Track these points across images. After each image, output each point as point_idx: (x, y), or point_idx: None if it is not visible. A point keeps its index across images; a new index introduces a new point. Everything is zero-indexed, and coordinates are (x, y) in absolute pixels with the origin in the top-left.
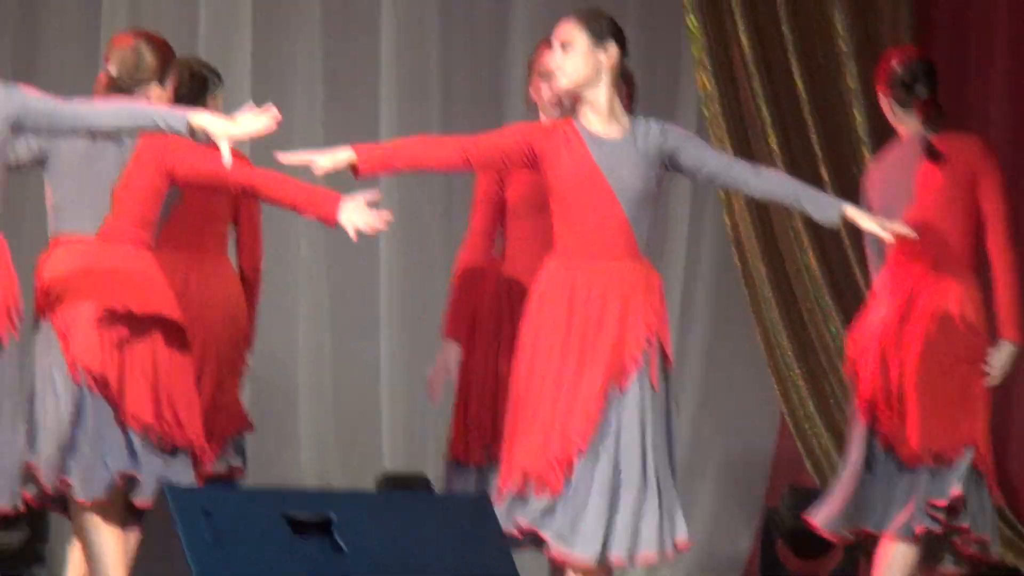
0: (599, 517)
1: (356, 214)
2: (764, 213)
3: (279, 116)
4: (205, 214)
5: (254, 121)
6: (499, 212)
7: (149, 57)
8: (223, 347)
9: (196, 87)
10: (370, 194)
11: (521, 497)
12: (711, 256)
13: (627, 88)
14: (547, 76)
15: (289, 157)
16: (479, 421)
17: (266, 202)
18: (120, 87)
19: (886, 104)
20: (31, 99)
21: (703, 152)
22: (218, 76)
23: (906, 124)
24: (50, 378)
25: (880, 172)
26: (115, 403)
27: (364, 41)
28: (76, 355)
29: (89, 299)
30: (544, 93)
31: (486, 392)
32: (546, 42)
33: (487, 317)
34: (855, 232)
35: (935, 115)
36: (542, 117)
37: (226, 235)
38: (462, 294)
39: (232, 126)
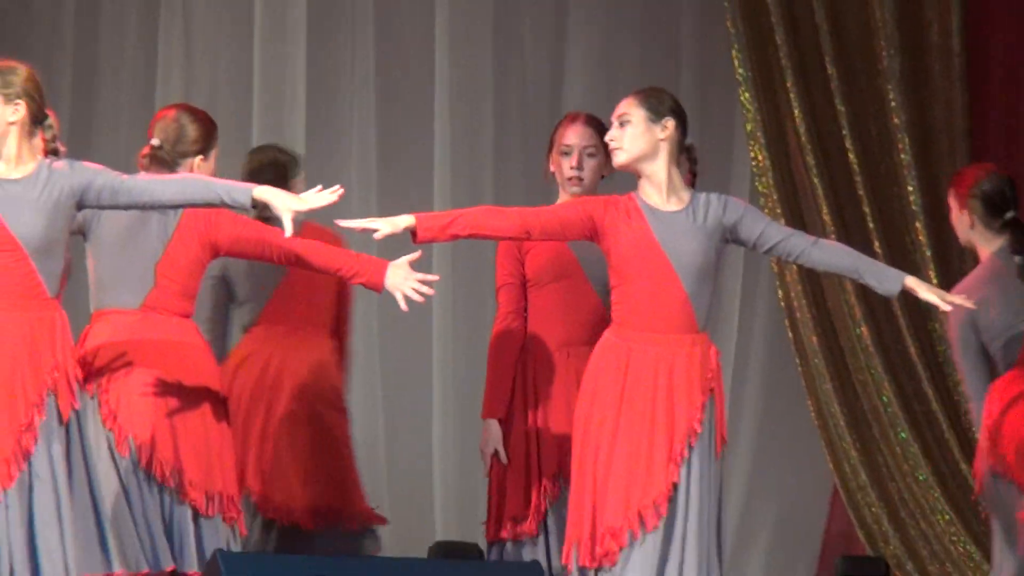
0: None
1: (402, 280)
2: (816, 286)
3: (343, 191)
4: (311, 290)
5: (317, 197)
6: (523, 288)
7: (191, 129)
8: (321, 423)
9: (277, 173)
10: (413, 255)
11: (588, 569)
12: (764, 328)
13: (689, 163)
14: (567, 151)
15: (349, 223)
16: (514, 497)
17: (311, 270)
18: (162, 159)
19: (965, 219)
20: (96, 174)
21: (763, 224)
22: (297, 161)
23: (988, 242)
24: (95, 456)
25: (984, 291)
26: (163, 473)
27: (418, 107)
28: (125, 427)
29: (136, 371)
30: (564, 169)
31: (519, 467)
32: (569, 118)
33: (518, 392)
34: (908, 304)
35: (1021, 236)
36: (561, 193)
37: (330, 310)
38: (497, 372)
39: (295, 202)
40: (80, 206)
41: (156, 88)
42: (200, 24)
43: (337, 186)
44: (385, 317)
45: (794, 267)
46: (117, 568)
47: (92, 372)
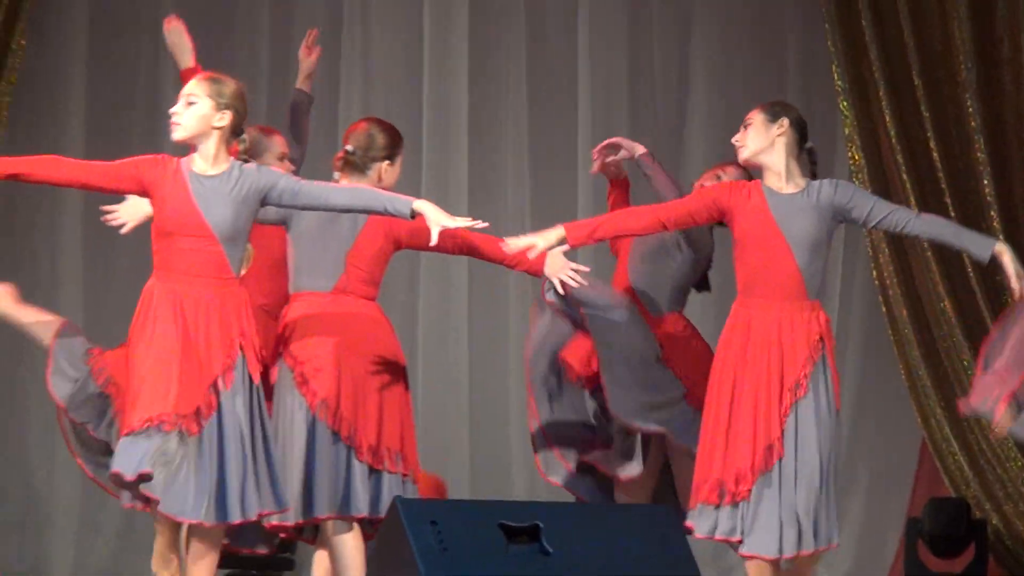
0: (780, 516)
1: (559, 268)
2: (906, 265)
3: (487, 225)
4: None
5: (465, 221)
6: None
7: (380, 138)
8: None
9: None
10: (565, 247)
11: (714, 505)
12: (860, 303)
13: (810, 163)
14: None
15: (513, 243)
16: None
17: (483, 258)
18: (355, 163)
19: None
20: (280, 177)
21: (871, 201)
22: None
23: None
24: (291, 418)
25: None
26: (349, 433)
27: (564, 122)
28: (316, 390)
29: (325, 343)
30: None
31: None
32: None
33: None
34: (984, 279)
35: None
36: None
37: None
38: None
39: (447, 219)
40: (263, 203)
41: (339, 105)
42: (376, 51)
43: (481, 222)
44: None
45: (886, 250)
46: (318, 512)
47: (288, 344)
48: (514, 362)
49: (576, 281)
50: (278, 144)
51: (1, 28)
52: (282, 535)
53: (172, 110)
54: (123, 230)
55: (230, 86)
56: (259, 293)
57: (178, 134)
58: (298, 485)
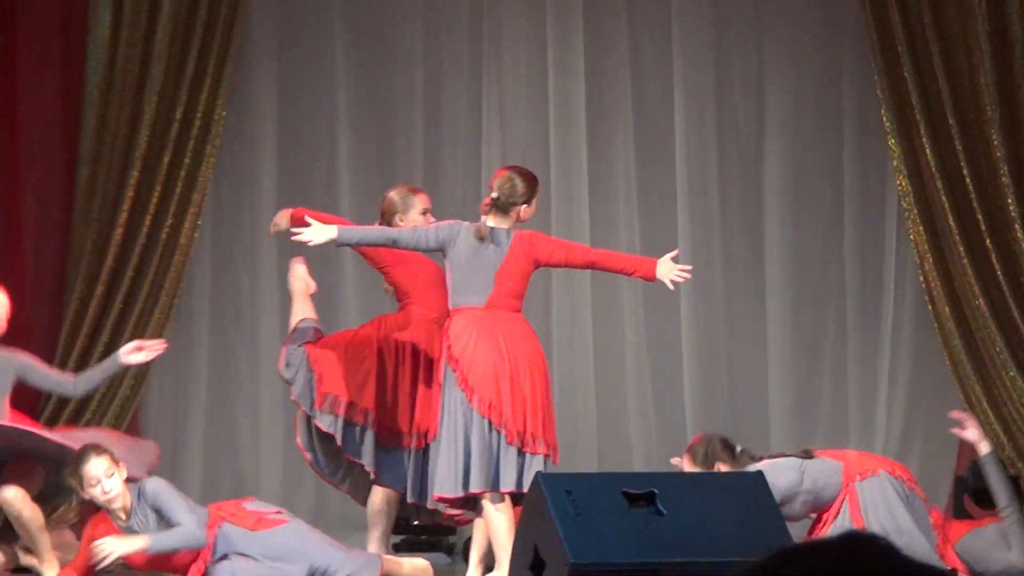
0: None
1: (668, 271)
2: (946, 270)
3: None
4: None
5: (685, 273)
6: None
7: (520, 185)
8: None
9: None
10: (674, 252)
11: None
12: (911, 305)
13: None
14: None
15: (670, 275)
16: None
17: (606, 270)
18: (500, 206)
19: None
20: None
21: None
22: None
23: None
24: (454, 411)
25: None
26: (498, 421)
27: (662, 151)
28: (474, 388)
29: (481, 349)
30: None
31: None
32: None
33: None
34: (1011, 281)
35: None
36: None
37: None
38: None
39: (675, 273)
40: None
41: (482, 159)
42: (510, 111)
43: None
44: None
45: (930, 258)
46: (474, 487)
47: (451, 351)
48: (630, 364)
49: (682, 277)
50: (421, 201)
51: (206, 99)
52: (448, 508)
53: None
54: (310, 244)
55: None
56: (429, 309)
57: None
58: (460, 465)
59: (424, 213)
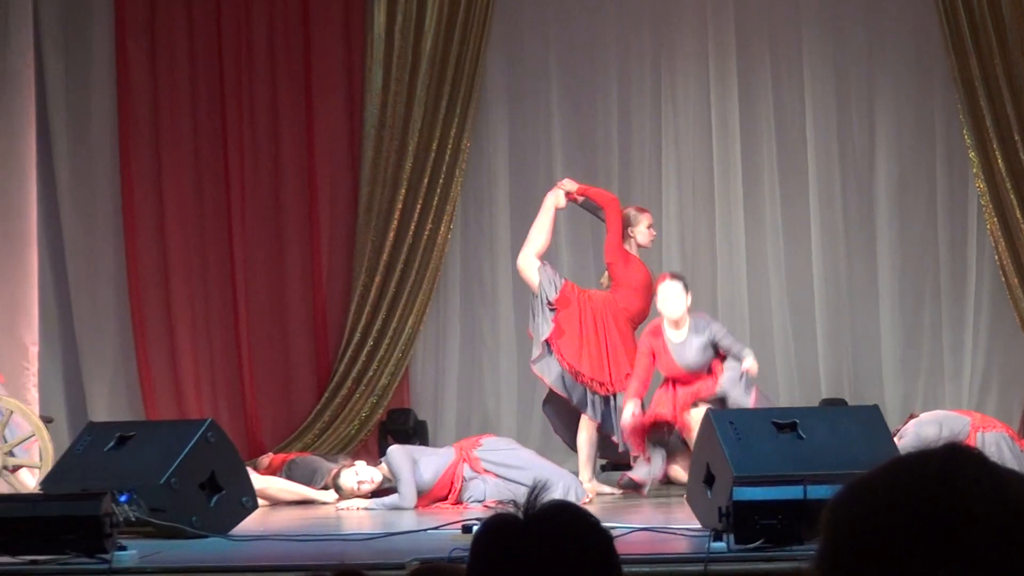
0: None
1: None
2: (1015, 250)
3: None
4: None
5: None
6: None
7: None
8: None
9: None
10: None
11: None
12: (989, 276)
13: None
14: None
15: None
16: None
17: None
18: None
19: None
20: None
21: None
22: None
23: None
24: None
25: None
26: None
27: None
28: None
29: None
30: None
31: None
32: None
33: None
34: None
35: None
36: None
37: None
38: None
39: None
40: None
41: (661, 161)
42: (683, 127)
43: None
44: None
45: (1003, 242)
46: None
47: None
48: (776, 326)
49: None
50: (646, 218)
51: (455, 134)
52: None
53: None
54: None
55: None
56: (627, 306)
57: None
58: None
59: (649, 227)
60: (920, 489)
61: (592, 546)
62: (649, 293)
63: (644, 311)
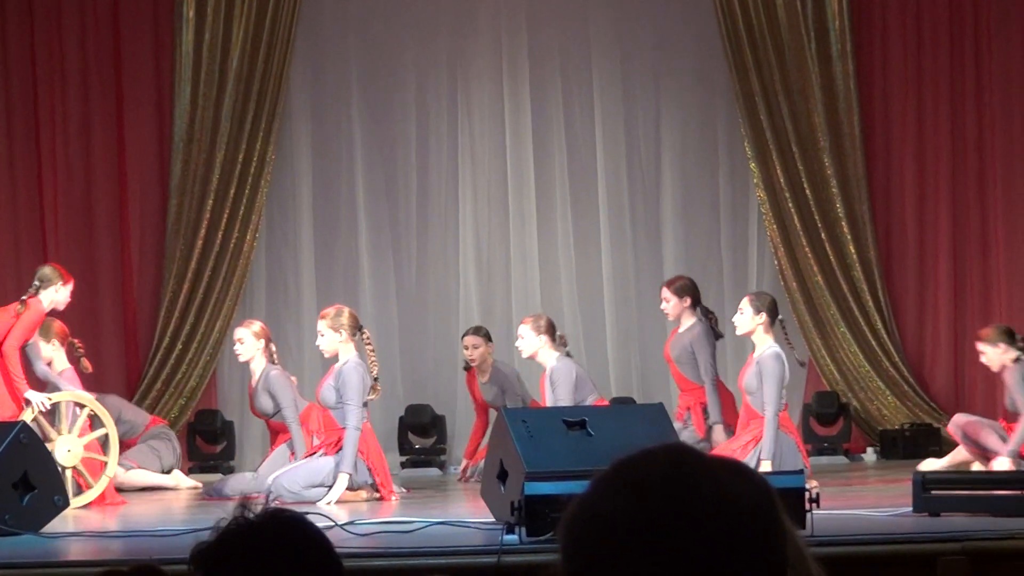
0: None
1: None
2: (793, 259)
3: None
4: None
5: None
6: None
7: None
8: None
9: None
10: None
11: None
12: (769, 280)
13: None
14: None
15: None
16: None
17: None
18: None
19: None
20: None
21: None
22: None
23: None
24: None
25: None
26: None
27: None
28: None
29: None
30: None
31: None
32: None
33: None
34: (843, 262)
35: None
36: None
37: None
38: None
39: None
40: None
41: (458, 175)
42: (479, 145)
43: None
44: None
45: (781, 248)
46: None
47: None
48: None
49: None
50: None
51: (260, 147)
52: None
53: None
54: None
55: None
56: None
57: None
58: None
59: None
60: (644, 499)
61: (307, 548)
62: None
63: None
